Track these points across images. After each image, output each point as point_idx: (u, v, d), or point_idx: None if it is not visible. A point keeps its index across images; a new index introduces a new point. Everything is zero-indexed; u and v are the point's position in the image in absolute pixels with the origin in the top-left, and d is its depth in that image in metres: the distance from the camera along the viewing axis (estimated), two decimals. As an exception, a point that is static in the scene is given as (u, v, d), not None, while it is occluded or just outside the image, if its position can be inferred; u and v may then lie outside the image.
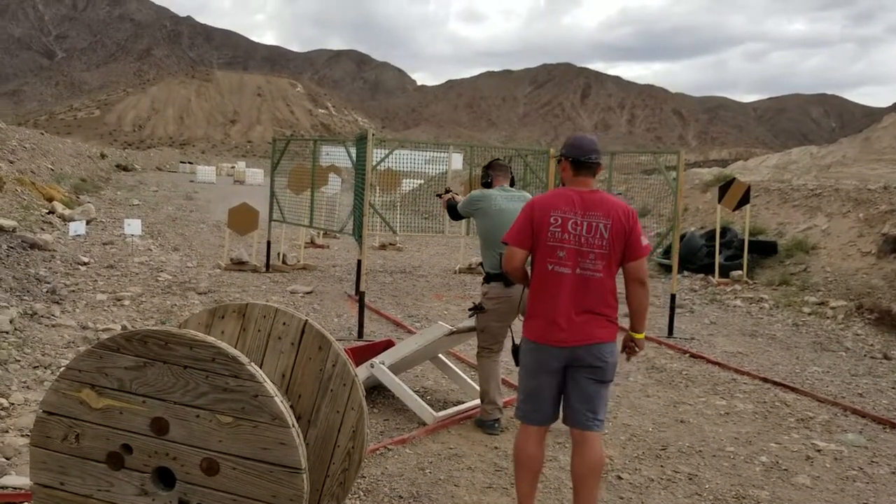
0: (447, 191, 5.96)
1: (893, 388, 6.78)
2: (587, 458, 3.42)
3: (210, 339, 2.74)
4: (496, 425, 5.00)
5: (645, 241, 3.44)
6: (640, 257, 3.41)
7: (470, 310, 5.01)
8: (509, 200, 5.06)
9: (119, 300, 8.27)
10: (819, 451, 5.00)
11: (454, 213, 5.55)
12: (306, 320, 3.39)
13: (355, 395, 3.31)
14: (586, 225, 3.37)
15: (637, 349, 3.62)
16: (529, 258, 3.54)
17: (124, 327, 6.98)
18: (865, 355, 8.01)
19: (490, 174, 5.31)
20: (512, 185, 5.30)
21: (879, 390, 6.66)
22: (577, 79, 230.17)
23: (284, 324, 3.39)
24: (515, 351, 3.74)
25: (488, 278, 4.97)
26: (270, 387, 2.69)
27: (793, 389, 6.44)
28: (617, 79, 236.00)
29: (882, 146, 28.96)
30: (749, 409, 5.84)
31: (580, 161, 3.46)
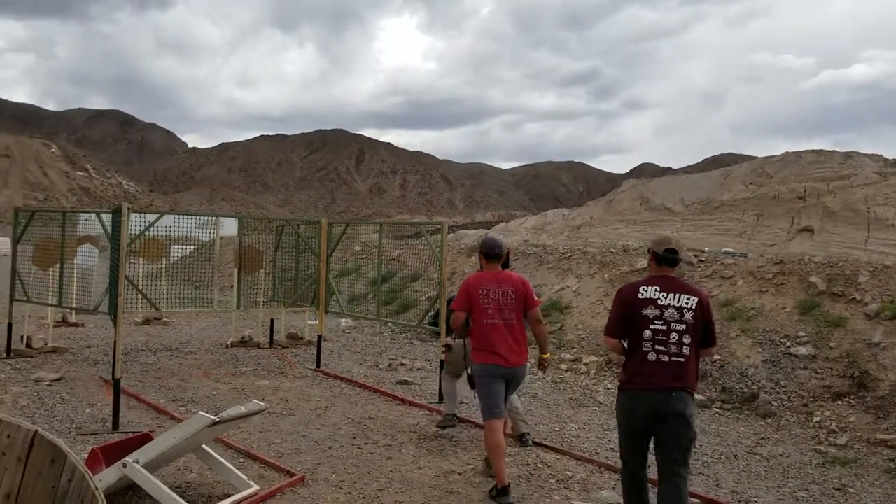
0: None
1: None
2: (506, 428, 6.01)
3: None
4: (454, 420, 7.16)
5: (535, 297, 5.80)
6: (535, 306, 5.75)
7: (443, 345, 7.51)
8: None
9: None
10: (577, 509, 5.31)
11: None
12: (36, 431, 3.04)
13: (95, 513, 2.99)
14: (501, 292, 5.64)
15: (546, 365, 5.97)
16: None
17: None
18: (615, 408, 8.69)
19: None
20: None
21: (627, 441, 7.23)
22: (352, 144, 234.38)
23: (9, 436, 3.01)
24: (470, 378, 5.83)
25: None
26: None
27: (553, 449, 6.82)
28: (389, 145, 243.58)
29: (623, 208, 32.36)
30: (514, 474, 6.04)
31: (488, 254, 5.79)
